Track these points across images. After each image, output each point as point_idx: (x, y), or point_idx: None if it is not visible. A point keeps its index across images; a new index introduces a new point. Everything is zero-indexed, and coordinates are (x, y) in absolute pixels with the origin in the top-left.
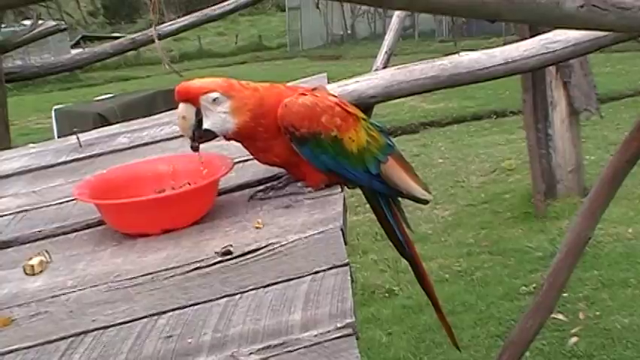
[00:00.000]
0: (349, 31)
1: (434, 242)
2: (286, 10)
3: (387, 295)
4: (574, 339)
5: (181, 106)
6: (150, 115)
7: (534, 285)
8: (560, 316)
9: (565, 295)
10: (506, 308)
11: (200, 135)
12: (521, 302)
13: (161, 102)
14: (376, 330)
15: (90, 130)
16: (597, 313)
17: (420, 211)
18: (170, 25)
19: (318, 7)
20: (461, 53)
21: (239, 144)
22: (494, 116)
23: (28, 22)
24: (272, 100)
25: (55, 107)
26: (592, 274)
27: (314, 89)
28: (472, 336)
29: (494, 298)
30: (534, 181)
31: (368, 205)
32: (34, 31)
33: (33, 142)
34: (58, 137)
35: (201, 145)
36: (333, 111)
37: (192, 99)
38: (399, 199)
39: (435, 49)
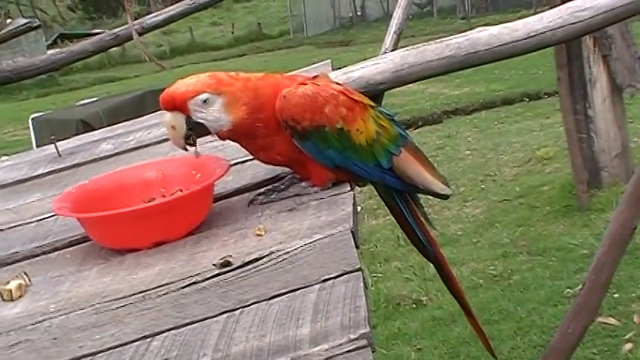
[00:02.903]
0: (359, 13)
1: (465, 244)
2: None
3: (414, 306)
4: (628, 345)
5: (169, 115)
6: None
7: (580, 287)
8: (612, 320)
9: (616, 296)
10: (549, 314)
11: (195, 140)
12: (566, 307)
13: (151, 103)
14: (404, 346)
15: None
16: None
17: (448, 210)
18: (156, 16)
19: None
20: (479, 28)
21: (236, 144)
22: (527, 99)
23: None
24: (268, 92)
25: (33, 116)
26: None
27: (315, 77)
28: (512, 347)
29: (535, 303)
30: (575, 170)
31: (386, 206)
32: (2, 31)
33: (7, 155)
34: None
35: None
36: (337, 100)
37: (179, 107)
38: (417, 194)
39: (457, 27)
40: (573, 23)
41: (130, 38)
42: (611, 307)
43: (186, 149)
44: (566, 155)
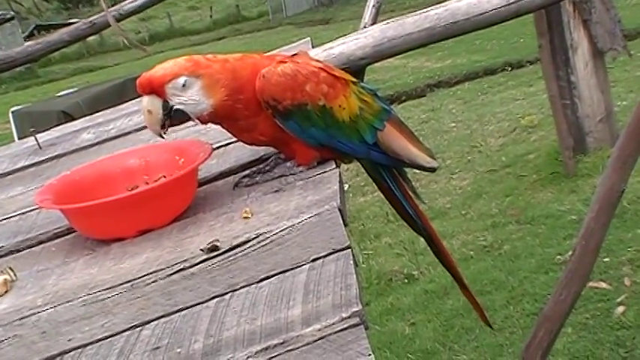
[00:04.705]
0: None
1: (454, 217)
2: None
3: (406, 281)
4: (621, 308)
5: (145, 99)
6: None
7: (570, 253)
8: (603, 285)
9: (606, 259)
10: (541, 282)
11: (168, 126)
12: (557, 274)
13: (132, 91)
14: (397, 321)
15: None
16: None
17: (435, 183)
18: (132, 1)
19: None
20: None
21: (218, 126)
22: (509, 68)
23: None
24: (247, 72)
25: (13, 109)
26: (635, 233)
27: (294, 56)
28: (505, 316)
29: (526, 272)
30: (560, 137)
31: (374, 182)
32: None
33: None
34: None
35: (177, 134)
36: (318, 77)
37: (157, 90)
38: (404, 169)
39: None
40: None
41: (107, 26)
42: (601, 272)
43: (161, 136)
44: (550, 122)
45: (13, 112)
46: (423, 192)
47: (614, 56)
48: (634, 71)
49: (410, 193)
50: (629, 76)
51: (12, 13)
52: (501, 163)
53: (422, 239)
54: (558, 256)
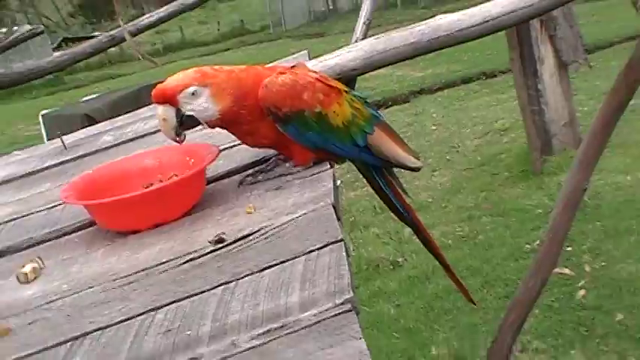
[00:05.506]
0: (331, 7)
1: (434, 210)
2: None
3: (392, 267)
4: (582, 292)
5: (160, 108)
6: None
7: (537, 242)
8: (566, 271)
9: (569, 249)
10: (511, 268)
11: (183, 130)
12: (526, 261)
13: (146, 97)
14: (384, 303)
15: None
16: (603, 263)
17: (418, 180)
18: (148, 17)
19: None
20: (439, 16)
21: (224, 131)
22: (484, 77)
23: (3, 30)
24: (251, 82)
25: (43, 113)
26: (594, 225)
27: (293, 67)
28: (480, 299)
29: (498, 259)
30: (529, 139)
31: (365, 180)
32: (9, 38)
33: (20, 150)
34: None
35: (187, 137)
36: (315, 87)
37: (170, 100)
38: (392, 168)
39: (420, 15)
40: (524, 7)
41: (124, 39)
42: (565, 260)
43: (176, 140)
44: (520, 126)
45: (42, 115)
46: (407, 187)
47: (577, 68)
48: (593, 81)
49: (398, 189)
50: (590, 86)
51: (42, 27)
52: (477, 162)
53: (407, 230)
54: (527, 245)
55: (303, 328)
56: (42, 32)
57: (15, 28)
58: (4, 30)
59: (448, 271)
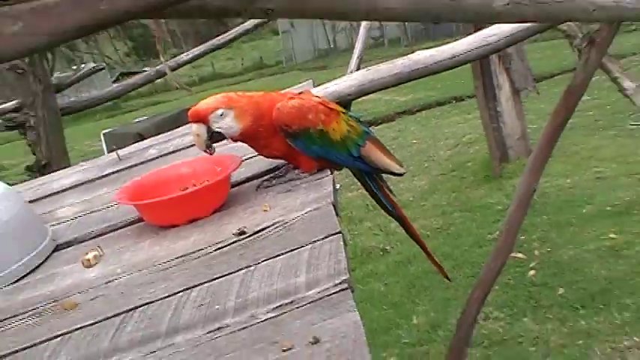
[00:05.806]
0: (332, 45)
1: (415, 207)
2: (280, 33)
3: (381, 253)
4: (532, 272)
5: (194, 126)
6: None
7: (497, 233)
8: (520, 255)
9: (522, 237)
10: (477, 254)
11: (212, 143)
12: (488, 248)
13: (185, 118)
14: (375, 283)
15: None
16: (549, 249)
17: (402, 183)
18: (186, 55)
19: (292, 26)
20: (418, 52)
21: (245, 144)
22: (454, 101)
23: (74, 67)
24: (267, 105)
25: (104, 131)
26: (542, 218)
27: (300, 93)
28: (452, 278)
29: (466, 246)
30: (490, 150)
31: (359, 183)
32: (78, 74)
33: (85, 162)
34: None
35: (216, 149)
36: (318, 109)
37: (202, 119)
38: (381, 174)
39: (402, 52)
40: (484, 45)
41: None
42: (519, 246)
43: (206, 152)
44: (483, 140)
45: (103, 134)
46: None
47: (527, 94)
48: (540, 104)
49: (386, 190)
50: (537, 107)
51: (103, 64)
52: (449, 168)
53: (393, 223)
54: (489, 235)
55: (308, 303)
56: (103, 68)
57: (82, 65)
58: (74, 67)
59: (429, 255)
